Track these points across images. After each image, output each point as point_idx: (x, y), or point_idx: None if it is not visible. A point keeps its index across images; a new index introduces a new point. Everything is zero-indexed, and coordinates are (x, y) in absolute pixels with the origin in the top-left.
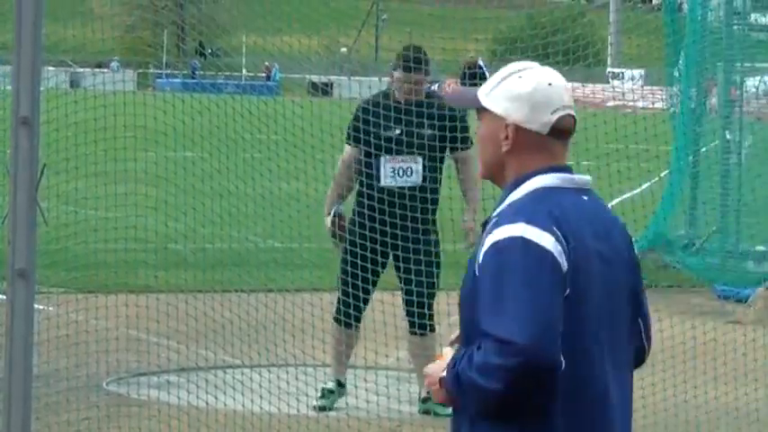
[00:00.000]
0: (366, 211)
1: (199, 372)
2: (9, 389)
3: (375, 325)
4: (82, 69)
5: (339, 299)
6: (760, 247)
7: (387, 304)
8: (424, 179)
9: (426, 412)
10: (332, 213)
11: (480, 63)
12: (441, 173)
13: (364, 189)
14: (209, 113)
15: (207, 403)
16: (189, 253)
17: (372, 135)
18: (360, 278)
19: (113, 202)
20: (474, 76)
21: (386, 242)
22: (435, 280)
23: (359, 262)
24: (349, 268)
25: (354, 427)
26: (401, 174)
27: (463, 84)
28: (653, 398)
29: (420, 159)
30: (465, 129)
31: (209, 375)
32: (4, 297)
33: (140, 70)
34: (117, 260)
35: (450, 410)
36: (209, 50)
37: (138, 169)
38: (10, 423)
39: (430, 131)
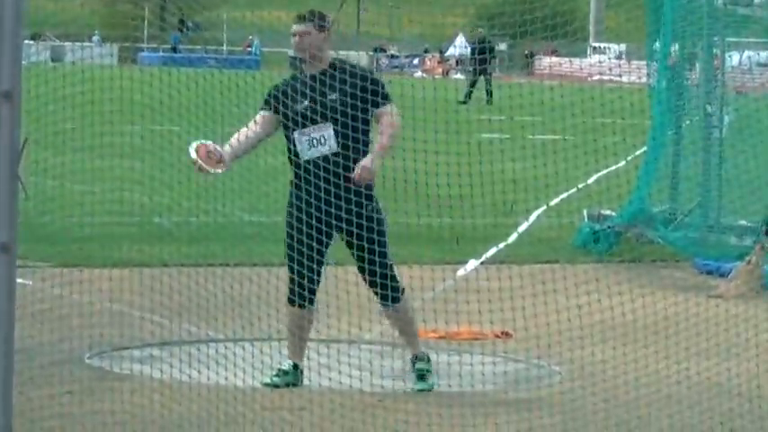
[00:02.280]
0: (297, 187)
1: (182, 346)
2: None
3: (359, 299)
4: (63, 43)
5: (288, 279)
6: (742, 222)
7: None
8: (343, 145)
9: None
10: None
11: (482, 37)
12: (365, 136)
13: (292, 167)
14: (195, 87)
15: (190, 377)
16: (173, 226)
17: (287, 113)
18: (305, 256)
19: (98, 176)
20: (482, 51)
21: (320, 216)
22: (379, 248)
23: (297, 238)
24: (292, 248)
25: (336, 401)
26: (316, 144)
27: (472, 59)
28: (635, 373)
29: (329, 125)
30: (375, 90)
31: (193, 349)
32: None
33: (123, 44)
34: (101, 234)
35: (426, 384)
36: (190, 24)
37: (124, 143)
38: None
39: (334, 96)
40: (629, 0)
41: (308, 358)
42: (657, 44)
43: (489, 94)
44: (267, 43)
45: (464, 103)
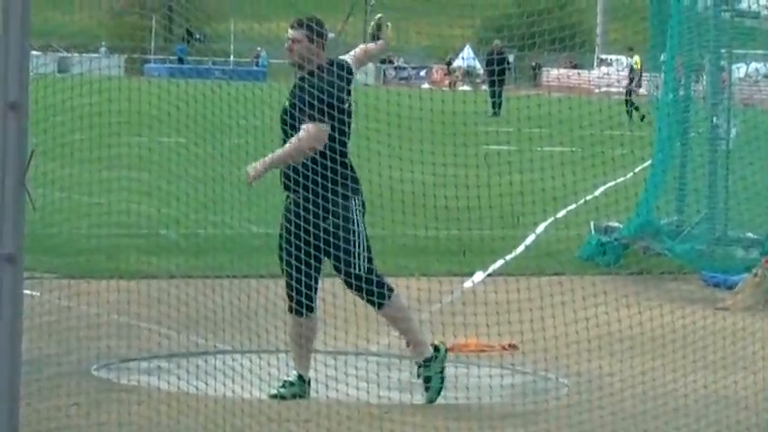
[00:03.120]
0: (287, 197)
1: (189, 357)
2: None
3: (366, 311)
4: (70, 54)
5: (287, 289)
6: (749, 234)
7: None
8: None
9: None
10: None
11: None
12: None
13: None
14: (203, 99)
15: (197, 389)
16: (180, 238)
17: None
18: (301, 263)
19: (105, 188)
20: (498, 62)
21: (308, 228)
22: (347, 256)
23: (286, 248)
24: (283, 259)
25: (343, 413)
26: None
27: (489, 70)
28: (642, 386)
29: (284, 135)
30: (312, 104)
31: (200, 361)
32: None
33: (130, 55)
34: (108, 245)
35: (430, 395)
36: (197, 36)
37: (131, 155)
38: None
39: (289, 105)
40: (636, 12)
41: (315, 370)
42: (663, 56)
43: (498, 106)
44: (274, 55)
45: (496, 114)
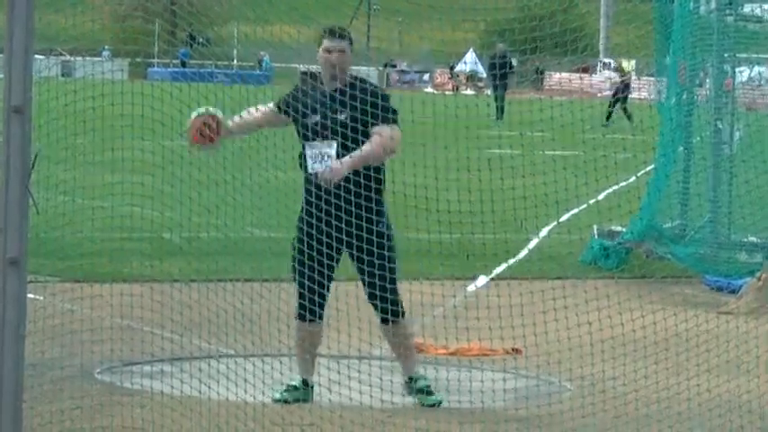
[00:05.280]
0: (309, 200)
1: (192, 361)
2: (0, 378)
3: (369, 315)
4: (74, 58)
5: (297, 294)
6: (752, 238)
7: None
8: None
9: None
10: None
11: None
12: None
13: (303, 177)
14: (206, 102)
15: (200, 393)
16: (184, 242)
17: (299, 123)
18: (312, 270)
19: (109, 191)
20: (501, 66)
21: (330, 232)
22: (389, 264)
23: (307, 252)
24: (300, 262)
25: (346, 417)
26: (319, 159)
27: (493, 74)
28: (645, 390)
29: (334, 144)
30: (385, 108)
31: (203, 365)
32: None
33: (134, 59)
34: (112, 249)
35: (436, 398)
36: (200, 40)
37: (135, 158)
38: (1, 411)
39: (344, 115)
40: (639, 17)
41: (319, 374)
42: (667, 60)
43: (501, 110)
44: (277, 58)
45: (499, 119)
